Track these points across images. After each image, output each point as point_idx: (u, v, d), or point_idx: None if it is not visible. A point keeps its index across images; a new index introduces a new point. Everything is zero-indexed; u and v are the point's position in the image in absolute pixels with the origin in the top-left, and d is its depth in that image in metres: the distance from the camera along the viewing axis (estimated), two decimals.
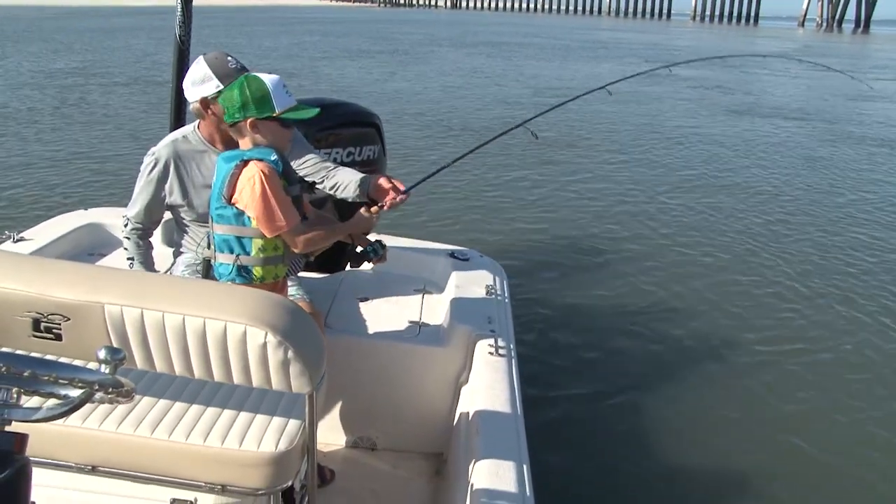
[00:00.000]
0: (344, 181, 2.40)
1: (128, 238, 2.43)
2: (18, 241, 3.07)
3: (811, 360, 4.30)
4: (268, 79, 2.14)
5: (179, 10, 3.09)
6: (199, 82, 2.35)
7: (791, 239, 6.45)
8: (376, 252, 2.43)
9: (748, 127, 12.26)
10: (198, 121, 2.44)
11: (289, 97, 2.16)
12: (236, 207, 2.13)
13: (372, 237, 2.50)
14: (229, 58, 2.37)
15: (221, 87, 2.27)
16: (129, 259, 2.45)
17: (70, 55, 21.61)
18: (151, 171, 2.37)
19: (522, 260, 5.54)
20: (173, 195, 2.39)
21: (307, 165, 2.47)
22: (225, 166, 2.15)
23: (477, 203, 7.05)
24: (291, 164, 2.44)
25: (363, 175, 2.42)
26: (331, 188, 2.45)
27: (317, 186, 2.47)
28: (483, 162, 8.77)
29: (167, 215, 2.51)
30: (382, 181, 2.36)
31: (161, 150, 2.39)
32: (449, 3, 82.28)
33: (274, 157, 2.14)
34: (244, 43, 27.38)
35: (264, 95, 2.11)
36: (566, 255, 5.84)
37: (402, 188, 2.37)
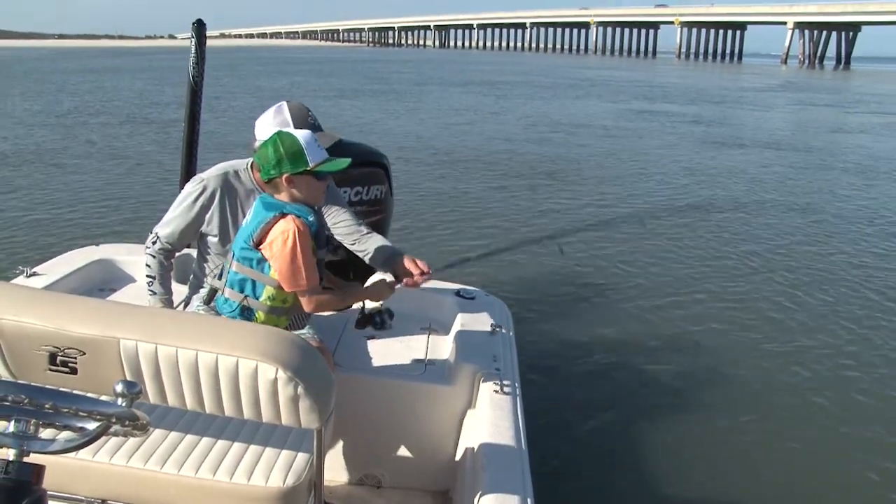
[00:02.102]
0: (370, 251, 2.41)
1: (153, 256, 2.40)
2: (31, 276, 3.06)
3: (814, 386, 4.32)
4: (300, 134, 2.19)
5: (193, 51, 3.15)
6: (278, 126, 2.36)
7: (797, 267, 6.53)
8: (384, 322, 2.47)
9: (750, 160, 12.43)
10: (251, 160, 2.43)
11: (320, 150, 2.20)
12: (262, 253, 2.14)
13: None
14: (310, 112, 2.38)
15: None
16: (149, 277, 2.41)
17: (70, 95, 21.78)
18: (198, 196, 2.35)
19: (528, 298, 5.52)
20: (210, 224, 2.37)
21: (341, 226, 2.46)
22: (262, 212, 2.16)
23: (483, 242, 7.05)
24: (326, 219, 2.43)
25: (392, 252, 2.41)
26: (360, 252, 2.44)
27: (344, 244, 2.46)
28: (489, 202, 8.85)
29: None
30: (407, 261, 2.36)
31: (211, 178, 2.37)
32: (437, 43, 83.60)
33: (312, 217, 2.17)
34: (237, 83, 27.60)
35: (298, 150, 2.14)
36: (571, 292, 5.84)
37: (426, 270, 2.35)
